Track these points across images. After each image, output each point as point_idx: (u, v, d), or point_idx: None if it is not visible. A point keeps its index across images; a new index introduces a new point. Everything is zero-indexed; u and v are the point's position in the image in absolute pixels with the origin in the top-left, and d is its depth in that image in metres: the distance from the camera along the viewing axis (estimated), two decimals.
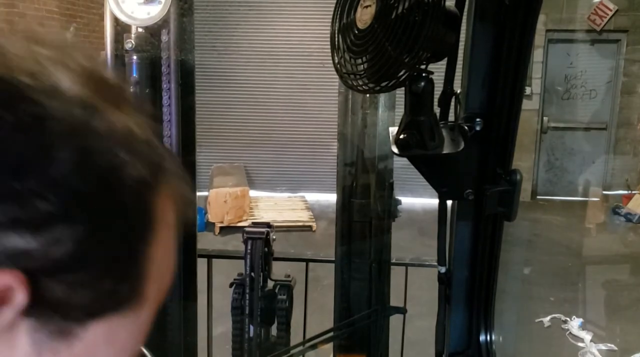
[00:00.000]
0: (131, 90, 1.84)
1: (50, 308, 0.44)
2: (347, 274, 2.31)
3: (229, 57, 8.61)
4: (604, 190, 8.58)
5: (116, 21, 1.84)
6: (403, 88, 1.10)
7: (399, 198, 2.29)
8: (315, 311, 2.81)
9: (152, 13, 1.78)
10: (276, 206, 7.96)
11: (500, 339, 2.42)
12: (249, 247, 2.06)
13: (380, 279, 2.28)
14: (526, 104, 7.95)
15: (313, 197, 8.49)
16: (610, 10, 8.05)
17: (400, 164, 1.62)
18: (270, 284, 2.15)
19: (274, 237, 2.15)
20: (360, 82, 1.11)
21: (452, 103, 1.23)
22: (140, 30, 1.86)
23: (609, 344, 4.34)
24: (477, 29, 1.18)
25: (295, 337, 2.23)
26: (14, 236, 0.41)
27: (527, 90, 8.20)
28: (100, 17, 1.93)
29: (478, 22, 1.17)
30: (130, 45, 1.84)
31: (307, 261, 2.64)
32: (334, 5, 1.17)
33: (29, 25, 6.04)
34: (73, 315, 0.46)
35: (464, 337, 1.46)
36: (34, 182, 0.42)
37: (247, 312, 2.07)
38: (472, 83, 1.22)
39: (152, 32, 1.88)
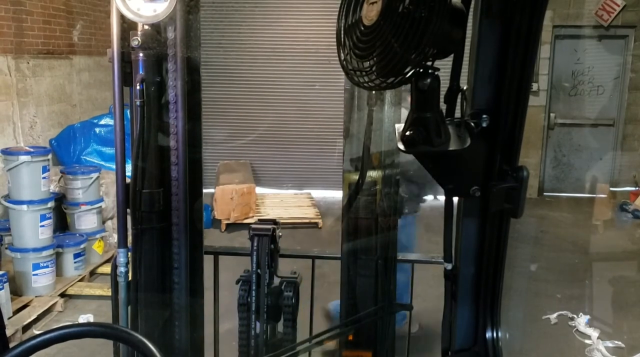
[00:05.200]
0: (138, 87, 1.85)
1: None
2: (353, 270, 2.31)
3: (235, 54, 8.61)
4: (612, 186, 8.54)
5: (122, 19, 1.84)
6: (409, 85, 1.10)
7: (404, 195, 2.29)
8: (322, 308, 2.81)
9: (158, 10, 1.78)
10: (282, 203, 7.97)
11: (507, 336, 2.42)
12: (255, 244, 2.06)
13: (387, 276, 2.28)
14: (533, 101, 7.93)
15: (319, 194, 8.48)
16: (618, 6, 8.00)
17: (406, 160, 1.62)
18: (276, 280, 2.15)
19: (280, 234, 2.16)
20: (367, 79, 1.11)
21: (459, 100, 1.22)
22: (146, 27, 1.86)
23: (616, 341, 4.32)
24: (484, 25, 1.18)
25: (302, 333, 2.24)
26: None
27: (534, 86, 8.16)
28: (107, 15, 1.94)
29: (484, 19, 1.17)
30: (136, 43, 1.84)
31: (313, 257, 2.64)
32: (340, 1, 1.17)
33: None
34: None
35: (470, 334, 1.46)
36: None
37: (253, 308, 2.07)
38: (478, 80, 1.21)
39: (158, 29, 1.88)
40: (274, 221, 2.15)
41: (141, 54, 1.87)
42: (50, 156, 4.99)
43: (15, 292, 4.70)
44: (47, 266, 4.85)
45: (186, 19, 1.89)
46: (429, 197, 3.91)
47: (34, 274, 4.78)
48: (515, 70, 1.17)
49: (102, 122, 6.81)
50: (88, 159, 6.57)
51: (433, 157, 1.20)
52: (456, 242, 1.43)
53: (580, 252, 6.35)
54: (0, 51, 5.68)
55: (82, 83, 7.39)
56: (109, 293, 2.08)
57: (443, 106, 1.19)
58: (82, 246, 5.29)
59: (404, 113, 1.92)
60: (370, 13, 1.06)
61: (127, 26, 1.87)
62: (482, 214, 1.35)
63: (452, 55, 1.13)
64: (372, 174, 2.23)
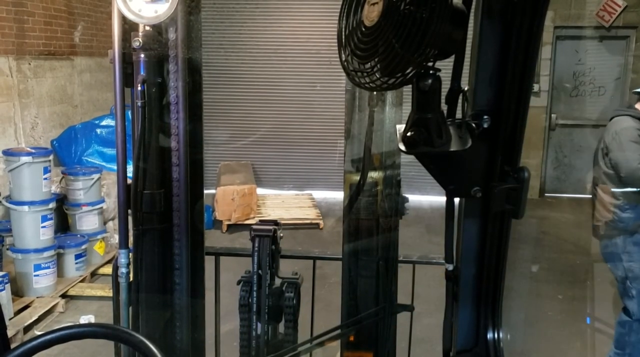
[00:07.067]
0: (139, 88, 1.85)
1: None
2: (355, 271, 2.31)
3: (236, 55, 8.62)
4: (593, 196, 8.51)
5: (124, 19, 1.84)
6: (410, 85, 1.10)
7: (406, 196, 2.28)
8: (323, 309, 2.81)
9: (160, 11, 1.78)
10: (283, 204, 7.97)
11: (508, 336, 2.42)
12: (257, 244, 2.06)
13: (388, 277, 2.28)
14: (534, 101, 7.92)
15: (320, 194, 8.49)
16: (619, 7, 7.99)
17: (408, 161, 1.62)
18: (277, 281, 2.15)
19: (281, 234, 2.15)
20: (367, 80, 1.11)
21: (460, 100, 1.22)
22: (147, 28, 1.86)
23: None
24: (485, 26, 1.18)
25: (303, 334, 2.23)
26: None
27: (535, 87, 8.16)
28: (108, 16, 1.94)
29: (485, 19, 1.17)
30: (137, 44, 1.84)
31: (315, 258, 2.64)
32: (341, 2, 1.17)
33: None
34: None
35: (472, 335, 1.46)
36: None
37: (254, 309, 2.07)
38: (479, 80, 1.21)
39: (160, 30, 1.88)
40: (275, 222, 2.15)
41: (142, 55, 1.87)
42: (51, 157, 5.00)
43: (17, 293, 4.71)
44: (48, 267, 4.86)
45: (187, 20, 1.89)
46: None
47: (35, 275, 4.79)
48: (517, 71, 1.17)
49: (103, 123, 6.82)
50: (89, 159, 6.58)
51: (434, 158, 1.20)
52: (457, 243, 1.43)
53: (582, 253, 6.34)
54: (1, 52, 5.69)
55: (83, 84, 7.40)
56: (110, 294, 2.08)
57: (444, 107, 1.19)
58: (83, 247, 5.29)
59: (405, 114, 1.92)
60: (371, 14, 1.06)
61: (129, 27, 1.87)
62: (483, 214, 1.35)
63: (453, 56, 1.13)
64: (373, 174, 2.23)
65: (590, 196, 4.13)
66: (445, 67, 1.12)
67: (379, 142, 2.20)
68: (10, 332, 4.09)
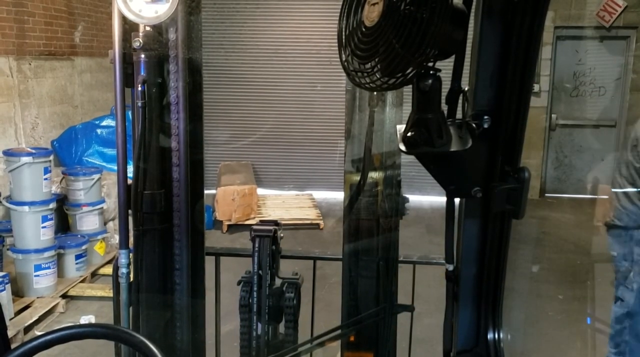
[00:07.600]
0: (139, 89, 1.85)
1: None
2: (355, 271, 2.31)
3: (236, 55, 8.62)
4: (613, 187, 8.52)
5: (124, 20, 1.84)
6: (411, 85, 1.10)
7: (407, 196, 2.28)
8: (323, 309, 2.81)
9: (160, 11, 1.78)
10: (284, 204, 7.97)
11: (508, 337, 2.42)
12: (257, 245, 2.06)
13: (388, 277, 2.28)
14: (534, 102, 7.92)
15: (321, 195, 8.48)
16: (620, 7, 7.99)
17: (408, 161, 1.62)
18: (278, 281, 2.15)
19: (282, 235, 2.15)
20: (368, 80, 1.11)
21: (460, 100, 1.22)
22: (148, 28, 1.86)
23: None
24: (485, 26, 1.17)
25: (303, 334, 2.23)
26: None
27: (535, 87, 8.16)
28: (109, 16, 1.94)
29: (486, 19, 1.17)
30: (138, 44, 1.84)
31: (315, 258, 2.64)
32: (341, 2, 1.17)
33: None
34: None
35: (472, 335, 1.46)
36: None
37: (254, 309, 2.07)
38: (480, 80, 1.21)
39: (160, 30, 1.89)
40: (275, 222, 2.15)
41: (143, 55, 1.87)
42: (51, 157, 5.00)
43: (17, 294, 4.71)
44: (48, 267, 4.86)
45: (188, 20, 1.90)
46: None
47: (35, 275, 4.79)
48: (517, 71, 1.17)
49: (104, 123, 6.82)
50: (89, 160, 6.58)
51: (434, 158, 1.20)
52: (458, 243, 1.43)
53: (582, 253, 6.34)
54: (2, 52, 5.69)
55: (83, 84, 7.40)
56: (111, 294, 2.08)
57: (444, 107, 1.19)
58: (83, 247, 5.29)
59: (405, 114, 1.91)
60: (371, 14, 1.06)
61: (129, 27, 1.87)
62: (484, 215, 1.35)
63: (453, 56, 1.13)
64: (374, 175, 2.23)
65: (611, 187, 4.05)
66: (445, 67, 1.12)
67: (379, 143, 2.20)
68: (10, 333, 4.09)
